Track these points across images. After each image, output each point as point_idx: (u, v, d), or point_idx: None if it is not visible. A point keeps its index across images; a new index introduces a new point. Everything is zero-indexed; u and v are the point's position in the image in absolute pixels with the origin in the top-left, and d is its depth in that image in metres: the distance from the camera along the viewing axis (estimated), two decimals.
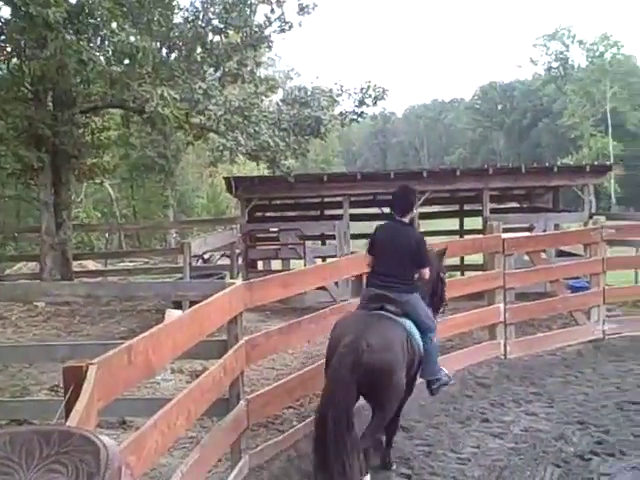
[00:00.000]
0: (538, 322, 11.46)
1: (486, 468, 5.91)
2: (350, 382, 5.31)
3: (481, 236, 11.60)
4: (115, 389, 3.49)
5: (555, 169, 15.99)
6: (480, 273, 10.53)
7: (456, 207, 20.71)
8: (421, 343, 6.00)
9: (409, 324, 5.92)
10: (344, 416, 5.19)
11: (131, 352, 3.61)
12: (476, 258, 15.27)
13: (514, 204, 20.61)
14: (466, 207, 20.03)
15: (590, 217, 14.04)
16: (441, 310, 7.02)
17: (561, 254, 15.38)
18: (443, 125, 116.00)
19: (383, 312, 5.91)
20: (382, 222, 6.73)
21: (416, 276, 6.17)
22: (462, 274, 16.64)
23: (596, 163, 20.70)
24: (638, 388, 8.03)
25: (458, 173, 15.71)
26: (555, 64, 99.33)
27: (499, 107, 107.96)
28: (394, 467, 6.02)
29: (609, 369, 8.87)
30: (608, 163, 21.31)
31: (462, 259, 18.00)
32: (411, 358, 5.82)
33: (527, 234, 12.94)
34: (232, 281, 6.30)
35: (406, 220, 6.28)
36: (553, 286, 10.68)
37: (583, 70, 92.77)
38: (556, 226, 15.48)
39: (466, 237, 16.94)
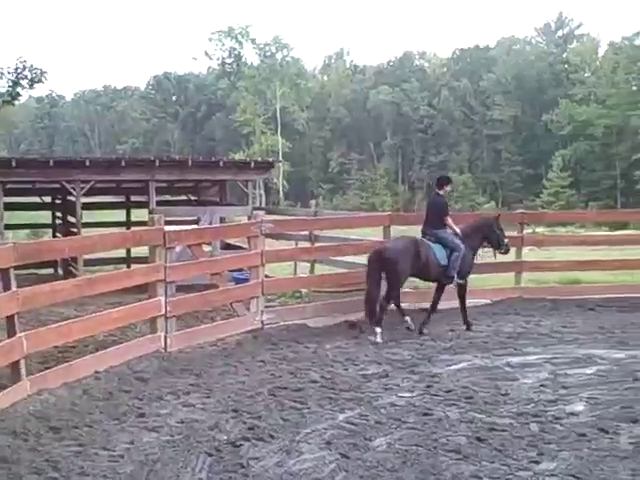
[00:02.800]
0: (203, 314, 11.65)
1: (139, 463, 5.81)
2: (377, 268, 10.46)
3: (141, 228, 11.44)
4: None
5: (221, 164, 16.37)
6: (142, 266, 10.39)
7: (123, 198, 20.33)
8: (440, 254, 10.64)
9: (433, 245, 10.69)
10: (375, 284, 10.43)
11: None
12: (143, 251, 15.10)
13: (184, 197, 20.79)
14: (134, 198, 19.75)
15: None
16: (503, 250, 11.43)
17: (227, 247, 15.80)
18: (116, 113, 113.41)
19: (423, 238, 10.85)
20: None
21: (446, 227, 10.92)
22: (128, 267, 16.35)
23: (260, 159, 21.54)
24: (290, 374, 8.46)
25: (123, 164, 15.39)
26: (229, 60, 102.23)
27: (174, 98, 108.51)
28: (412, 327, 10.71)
29: (266, 357, 9.25)
30: (271, 160, 22.33)
31: (129, 251, 17.69)
32: (424, 258, 10.49)
33: (193, 227, 13.04)
34: None
35: (441, 192, 11.17)
36: (215, 278, 10.87)
37: (255, 68, 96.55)
38: (222, 219, 15.83)
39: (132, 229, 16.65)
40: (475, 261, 11.29)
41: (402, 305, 10.98)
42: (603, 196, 79.73)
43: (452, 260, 10.67)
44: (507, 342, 9.94)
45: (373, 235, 13.23)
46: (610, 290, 13.18)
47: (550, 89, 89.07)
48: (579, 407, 7.11)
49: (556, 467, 5.63)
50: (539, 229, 34.00)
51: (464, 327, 10.81)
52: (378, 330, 10.17)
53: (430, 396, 7.50)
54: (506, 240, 11.38)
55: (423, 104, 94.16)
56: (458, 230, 11.00)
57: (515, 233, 13.29)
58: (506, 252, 11.65)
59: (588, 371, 8.40)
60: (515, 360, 8.92)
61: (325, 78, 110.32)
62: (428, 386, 7.86)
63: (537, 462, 5.74)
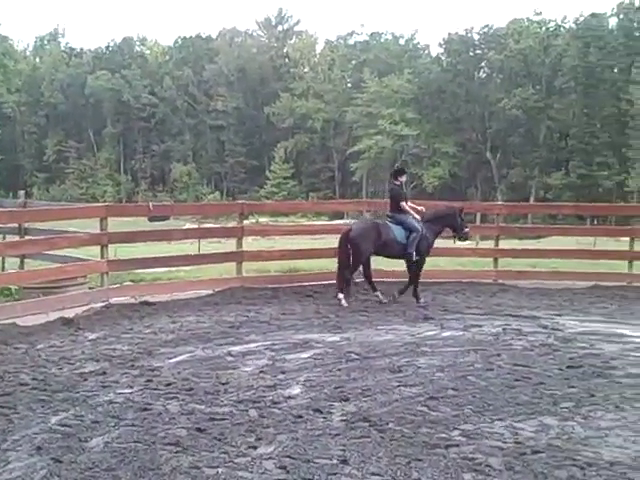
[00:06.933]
0: None
1: None
2: (345, 246, 12.04)
3: None
4: None
5: None
6: None
7: None
8: (399, 234, 12.14)
9: (394, 226, 12.20)
10: (344, 259, 12.07)
11: None
12: None
13: None
14: None
15: None
16: (463, 236, 12.81)
17: None
18: None
19: (386, 220, 12.41)
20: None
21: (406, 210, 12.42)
22: None
23: None
24: None
25: None
26: None
27: None
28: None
29: None
30: None
31: None
32: (384, 238, 12.02)
33: None
34: None
35: (397, 182, 12.59)
36: None
37: None
38: None
39: None
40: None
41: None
42: (323, 187, 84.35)
43: (410, 239, 12.16)
44: (229, 332, 10.03)
45: (92, 227, 12.65)
46: (327, 277, 13.74)
47: (272, 82, 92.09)
48: (296, 390, 7.35)
49: (273, 450, 5.76)
50: (262, 219, 34.99)
51: (415, 299, 12.29)
52: (340, 295, 11.93)
53: (150, 391, 7.32)
54: (466, 229, 12.78)
55: (145, 92, 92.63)
56: (417, 211, 12.50)
57: (235, 224, 13.46)
58: (465, 240, 13.43)
59: (305, 355, 8.72)
60: (236, 349, 9.02)
61: (37, 60, 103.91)
62: (148, 380, 7.65)
63: (255, 447, 5.82)
